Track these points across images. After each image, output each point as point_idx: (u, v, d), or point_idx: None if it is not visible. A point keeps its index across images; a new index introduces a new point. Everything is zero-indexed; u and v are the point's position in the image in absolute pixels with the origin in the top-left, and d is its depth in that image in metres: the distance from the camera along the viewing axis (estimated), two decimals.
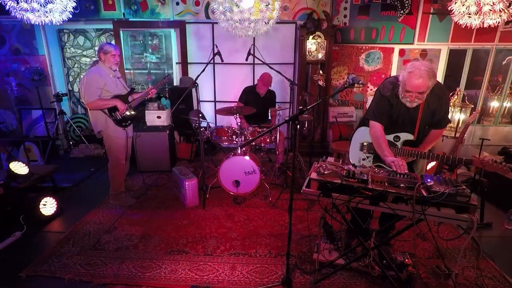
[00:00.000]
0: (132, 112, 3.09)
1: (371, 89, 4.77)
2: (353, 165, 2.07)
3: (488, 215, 3.00)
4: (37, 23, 2.85)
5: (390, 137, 2.23)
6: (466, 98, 4.43)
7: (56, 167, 3.43)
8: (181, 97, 3.31)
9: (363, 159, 2.37)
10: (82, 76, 2.90)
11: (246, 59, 3.42)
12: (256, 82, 4.18)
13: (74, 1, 3.00)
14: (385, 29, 4.53)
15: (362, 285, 2.14)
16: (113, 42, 4.67)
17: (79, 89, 4.88)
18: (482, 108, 4.82)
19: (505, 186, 3.20)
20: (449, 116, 4.30)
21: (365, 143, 2.34)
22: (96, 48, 4.78)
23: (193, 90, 3.33)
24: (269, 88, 4.09)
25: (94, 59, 4.80)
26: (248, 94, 4.07)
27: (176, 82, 4.88)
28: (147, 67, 4.93)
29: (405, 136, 2.19)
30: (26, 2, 2.63)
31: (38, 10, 2.70)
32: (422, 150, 2.15)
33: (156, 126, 4.14)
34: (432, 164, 3.62)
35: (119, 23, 4.59)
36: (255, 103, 3.92)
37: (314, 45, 4.42)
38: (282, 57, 4.72)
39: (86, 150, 4.77)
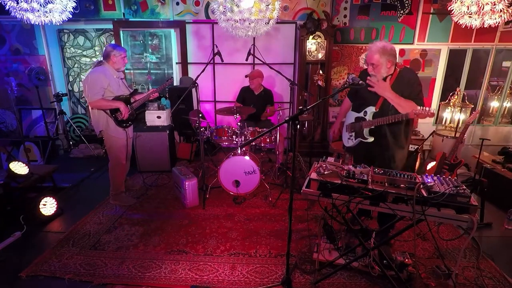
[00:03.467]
0: (133, 113, 3.09)
1: None
2: (353, 165, 2.07)
3: (488, 215, 3.00)
4: (37, 23, 2.85)
5: (361, 114, 2.46)
6: (466, 98, 4.43)
7: (56, 167, 3.43)
8: (181, 97, 3.31)
9: (349, 138, 2.59)
10: (85, 75, 2.91)
11: (246, 59, 3.42)
12: None
13: (74, 1, 3.00)
14: (385, 29, 4.53)
15: (362, 285, 2.14)
16: (113, 42, 4.68)
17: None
18: (482, 108, 4.82)
19: (505, 186, 3.20)
20: (449, 116, 4.34)
21: (348, 124, 2.60)
22: (96, 48, 4.83)
23: (193, 90, 3.33)
24: (262, 85, 4.11)
25: (95, 59, 4.85)
26: (244, 92, 4.16)
27: (176, 82, 4.88)
28: (147, 67, 4.93)
29: (370, 109, 2.39)
30: (26, 2, 2.62)
31: (38, 10, 2.70)
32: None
33: (156, 126, 4.14)
34: (432, 164, 3.62)
35: (119, 23, 4.59)
36: (251, 101, 3.97)
37: (314, 45, 4.42)
38: (282, 57, 4.72)
39: (86, 150, 4.77)
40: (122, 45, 4.70)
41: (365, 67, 2.38)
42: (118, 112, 2.96)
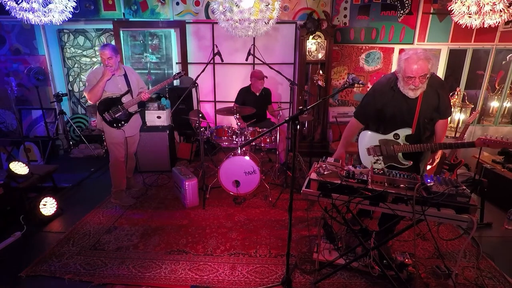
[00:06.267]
0: (127, 113, 3.09)
1: None
2: (353, 165, 2.07)
3: (488, 215, 2.99)
4: (37, 23, 2.85)
5: (390, 136, 2.20)
6: (466, 98, 4.43)
7: (56, 167, 3.43)
8: (181, 97, 3.31)
9: (374, 162, 2.30)
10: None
11: (246, 59, 3.42)
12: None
13: (74, 1, 3.00)
14: (385, 29, 4.53)
15: (362, 285, 2.14)
16: (113, 42, 4.67)
17: None
18: (482, 108, 4.82)
19: (505, 186, 3.20)
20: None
21: (369, 147, 2.29)
22: (96, 48, 4.82)
23: (193, 90, 3.33)
24: (264, 86, 4.05)
25: (95, 59, 4.86)
26: (244, 94, 4.02)
27: (176, 82, 4.88)
28: (147, 67, 4.93)
29: (403, 131, 2.16)
30: (26, 2, 2.62)
31: (38, 10, 2.70)
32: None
33: (156, 126, 4.14)
34: None
35: (119, 23, 4.59)
36: (252, 103, 3.90)
37: (314, 45, 4.42)
38: (282, 57, 4.72)
39: (86, 150, 4.77)
40: (122, 45, 4.71)
41: (401, 79, 2.06)
42: (106, 113, 2.99)
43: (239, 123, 3.36)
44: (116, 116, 3.02)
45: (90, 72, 3.12)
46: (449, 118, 2.24)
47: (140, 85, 3.21)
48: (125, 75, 3.07)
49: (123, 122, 3.09)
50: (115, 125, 3.05)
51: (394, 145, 2.18)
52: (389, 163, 2.24)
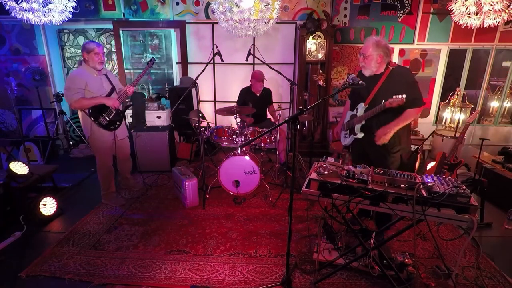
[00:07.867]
0: (119, 111, 3.05)
1: None
2: (353, 165, 2.07)
3: (488, 215, 3.00)
4: (37, 23, 2.85)
5: (354, 111, 2.53)
6: (466, 98, 4.43)
7: (56, 167, 3.43)
8: (181, 97, 3.31)
9: (344, 136, 2.69)
10: None
11: (246, 59, 3.42)
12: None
13: (74, 1, 3.00)
14: (385, 29, 4.53)
15: (362, 285, 2.14)
16: (113, 42, 4.67)
17: None
18: (482, 108, 4.82)
19: (505, 186, 3.20)
20: (449, 116, 4.34)
21: (343, 123, 2.68)
22: None
23: (193, 90, 3.33)
24: (264, 86, 4.06)
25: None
26: (245, 94, 4.03)
27: (176, 82, 4.88)
28: None
29: (361, 106, 2.44)
30: (26, 2, 2.62)
31: (38, 10, 2.70)
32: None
33: (156, 126, 4.14)
34: (432, 164, 3.62)
35: (119, 23, 4.59)
36: (252, 103, 3.90)
37: (314, 45, 4.42)
38: (282, 57, 4.72)
39: (86, 150, 4.77)
40: (122, 45, 4.70)
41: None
42: (101, 117, 2.93)
43: (245, 121, 3.32)
44: (111, 117, 2.98)
45: (68, 80, 2.82)
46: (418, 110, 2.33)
47: (118, 86, 3.17)
48: (106, 75, 3.03)
49: (118, 123, 3.08)
50: (112, 127, 3.01)
51: (354, 118, 2.49)
52: (351, 135, 2.55)
